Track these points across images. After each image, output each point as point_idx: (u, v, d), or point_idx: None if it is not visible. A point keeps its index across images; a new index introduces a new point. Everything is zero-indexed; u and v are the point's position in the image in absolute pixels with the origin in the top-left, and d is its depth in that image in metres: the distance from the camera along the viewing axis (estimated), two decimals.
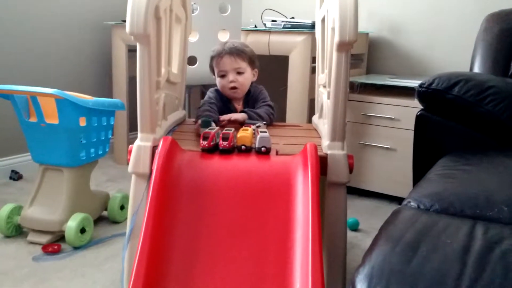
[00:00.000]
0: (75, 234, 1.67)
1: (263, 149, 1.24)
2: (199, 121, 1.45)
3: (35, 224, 1.72)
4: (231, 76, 1.65)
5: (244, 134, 1.27)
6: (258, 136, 1.26)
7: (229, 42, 1.72)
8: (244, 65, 1.67)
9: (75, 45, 2.69)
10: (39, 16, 2.48)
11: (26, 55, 2.44)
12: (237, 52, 1.65)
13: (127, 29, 1.16)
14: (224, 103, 1.71)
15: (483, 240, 0.83)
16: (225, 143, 1.24)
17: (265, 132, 1.28)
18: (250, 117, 1.61)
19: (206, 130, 1.29)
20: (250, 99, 1.73)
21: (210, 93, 1.74)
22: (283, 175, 1.17)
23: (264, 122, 1.58)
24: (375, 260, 0.82)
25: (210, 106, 1.64)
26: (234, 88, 1.67)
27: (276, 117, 1.70)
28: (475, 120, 1.48)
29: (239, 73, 1.66)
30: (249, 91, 1.72)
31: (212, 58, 1.70)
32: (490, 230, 0.87)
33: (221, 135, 1.26)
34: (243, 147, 1.26)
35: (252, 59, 1.70)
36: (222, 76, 1.67)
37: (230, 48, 1.66)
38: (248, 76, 1.69)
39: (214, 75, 1.71)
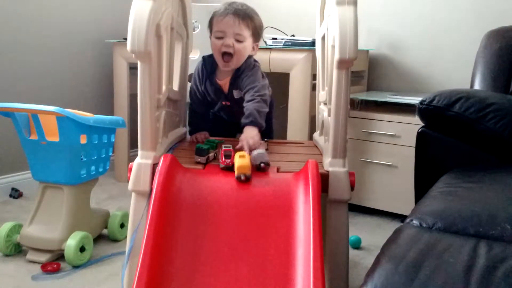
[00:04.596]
0: (74, 253, 1.66)
1: (262, 165, 1.23)
2: (195, 147, 1.32)
3: (35, 243, 1.71)
4: (228, 40, 1.47)
5: (243, 164, 1.19)
6: (254, 153, 1.25)
7: (237, 2, 1.51)
8: (246, 33, 1.49)
9: (76, 62, 2.70)
10: (40, 34, 2.49)
11: (27, 73, 2.45)
12: (243, 16, 1.46)
13: (128, 47, 1.16)
14: (208, 76, 1.53)
15: (487, 259, 0.82)
16: (228, 160, 1.23)
17: (260, 150, 1.28)
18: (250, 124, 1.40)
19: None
20: (239, 79, 1.52)
21: (196, 69, 1.57)
22: (284, 193, 1.16)
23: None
24: (377, 280, 0.81)
25: (203, 117, 1.59)
26: (228, 54, 1.49)
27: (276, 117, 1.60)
28: (476, 137, 1.48)
29: (238, 40, 1.48)
30: (239, 68, 1.52)
31: (212, 15, 1.51)
32: (493, 249, 0.86)
33: (222, 153, 1.25)
34: (242, 177, 1.18)
35: (258, 30, 1.52)
36: (219, 38, 1.49)
37: (236, 9, 1.46)
38: (247, 47, 1.51)
39: (211, 34, 1.53)
